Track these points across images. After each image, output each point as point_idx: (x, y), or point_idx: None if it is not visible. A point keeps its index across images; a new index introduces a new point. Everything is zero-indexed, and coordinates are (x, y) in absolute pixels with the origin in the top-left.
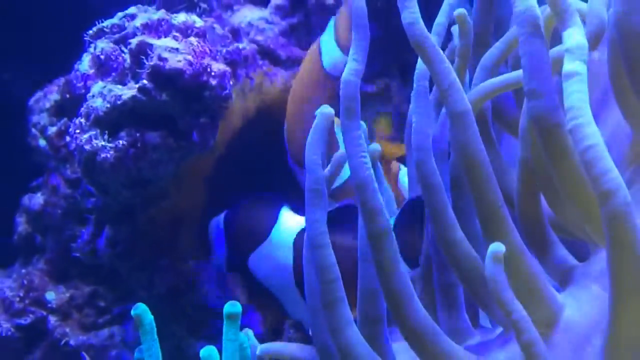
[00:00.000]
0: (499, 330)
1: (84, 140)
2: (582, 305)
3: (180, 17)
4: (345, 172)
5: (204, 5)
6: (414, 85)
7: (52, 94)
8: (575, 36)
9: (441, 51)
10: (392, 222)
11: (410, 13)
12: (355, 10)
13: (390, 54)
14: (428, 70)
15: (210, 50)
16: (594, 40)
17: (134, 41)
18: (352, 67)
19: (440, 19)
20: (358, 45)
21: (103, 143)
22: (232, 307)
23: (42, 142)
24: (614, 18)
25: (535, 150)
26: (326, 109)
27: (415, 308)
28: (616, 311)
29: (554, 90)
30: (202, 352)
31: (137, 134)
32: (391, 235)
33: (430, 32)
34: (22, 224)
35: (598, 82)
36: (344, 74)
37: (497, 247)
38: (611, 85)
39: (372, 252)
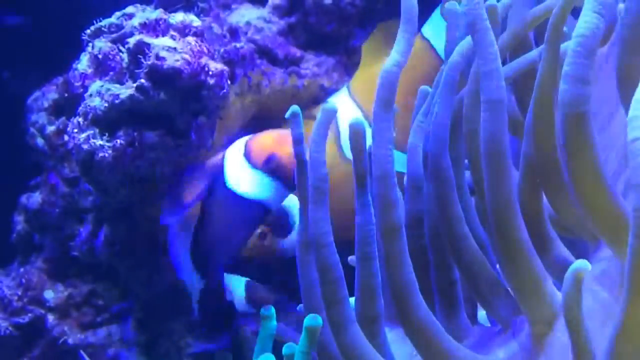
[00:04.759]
0: (498, 328)
1: (82, 140)
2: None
3: (178, 17)
4: None
5: (202, 5)
6: (443, 74)
7: (50, 93)
8: None
9: (493, 36)
10: None
11: None
12: (405, 3)
13: None
14: (477, 51)
15: (208, 49)
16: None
17: (131, 40)
18: (394, 59)
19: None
20: (404, 37)
21: (101, 142)
22: (313, 320)
23: (41, 141)
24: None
25: (540, 145)
26: (329, 105)
27: (420, 305)
28: (629, 311)
29: (590, 79)
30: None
31: (135, 133)
32: (403, 230)
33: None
34: (20, 223)
35: (600, 78)
36: (385, 64)
37: (582, 265)
38: (618, 83)
39: (382, 245)
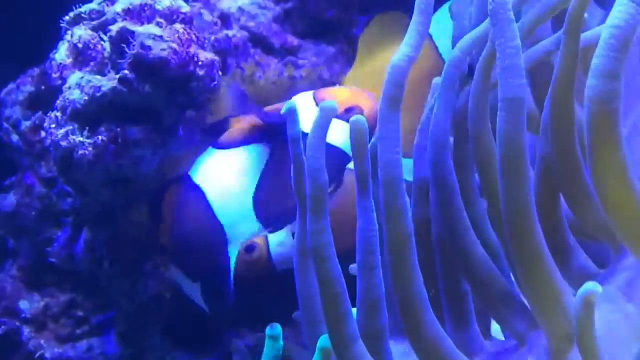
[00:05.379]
0: (513, 343)
1: (60, 136)
2: (605, 317)
3: (165, 2)
4: None
5: None
6: (443, 72)
7: (25, 86)
8: None
9: (517, 28)
10: None
11: None
12: None
13: None
14: (497, 43)
15: (197, 37)
16: None
17: (114, 28)
18: (404, 52)
19: None
20: (416, 29)
21: (81, 138)
22: (327, 341)
23: (15, 138)
24: None
25: (558, 144)
26: (328, 103)
27: (431, 320)
28: None
29: (622, 74)
30: None
31: (118, 129)
32: (413, 239)
33: None
34: None
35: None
36: (393, 58)
37: (592, 287)
38: None
39: (390, 256)
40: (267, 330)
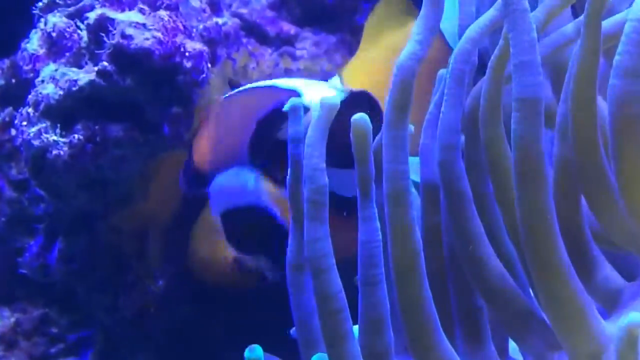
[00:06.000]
0: None
1: (32, 134)
2: None
3: None
4: None
5: None
6: (449, 66)
7: None
8: None
9: (532, 22)
10: None
11: None
12: None
13: None
14: (511, 36)
15: (184, 26)
16: None
17: (92, 15)
18: (411, 50)
19: None
20: (425, 23)
21: (55, 137)
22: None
23: None
24: None
25: (580, 145)
26: (330, 99)
27: (440, 342)
28: None
29: None
30: None
31: (96, 127)
32: (422, 258)
33: None
34: None
35: None
36: (400, 56)
37: (637, 319)
38: None
39: (396, 276)
40: (246, 353)
